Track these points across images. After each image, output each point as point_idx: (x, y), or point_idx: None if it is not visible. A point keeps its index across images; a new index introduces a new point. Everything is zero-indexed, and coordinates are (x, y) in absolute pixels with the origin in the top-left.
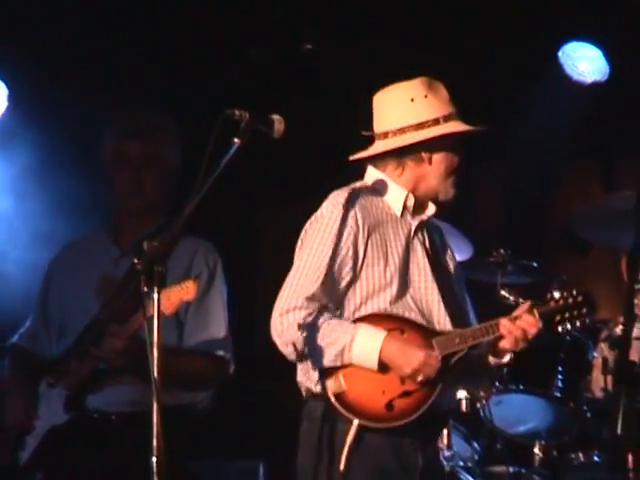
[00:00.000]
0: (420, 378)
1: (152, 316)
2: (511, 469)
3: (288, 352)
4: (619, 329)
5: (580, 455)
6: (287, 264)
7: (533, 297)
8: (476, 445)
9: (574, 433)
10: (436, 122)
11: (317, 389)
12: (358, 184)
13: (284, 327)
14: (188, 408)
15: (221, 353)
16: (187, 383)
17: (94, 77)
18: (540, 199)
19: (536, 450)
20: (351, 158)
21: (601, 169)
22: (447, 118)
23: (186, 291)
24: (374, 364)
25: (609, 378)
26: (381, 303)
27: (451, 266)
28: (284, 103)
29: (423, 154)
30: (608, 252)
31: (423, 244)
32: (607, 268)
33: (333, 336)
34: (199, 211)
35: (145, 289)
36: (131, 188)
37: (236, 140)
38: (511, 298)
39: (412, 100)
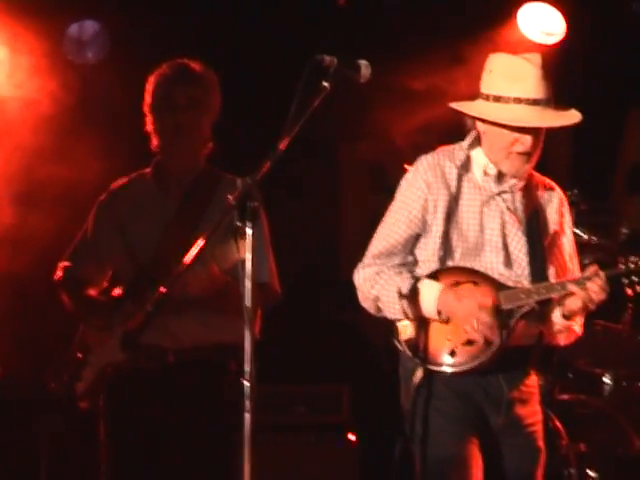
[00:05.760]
0: (477, 334)
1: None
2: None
3: (366, 307)
4: None
5: None
6: None
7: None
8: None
9: None
10: (496, 99)
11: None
12: (451, 147)
13: (359, 283)
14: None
15: (267, 280)
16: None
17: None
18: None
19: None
20: (451, 105)
21: None
22: (507, 100)
23: None
24: (434, 314)
25: None
26: (450, 261)
27: (549, 227)
28: None
29: (478, 126)
30: None
31: (506, 210)
32: None
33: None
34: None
35: (239, 224)
36: (175, 132)
37: (325, 84)
38: (585, 236)
39: (491, 71)
